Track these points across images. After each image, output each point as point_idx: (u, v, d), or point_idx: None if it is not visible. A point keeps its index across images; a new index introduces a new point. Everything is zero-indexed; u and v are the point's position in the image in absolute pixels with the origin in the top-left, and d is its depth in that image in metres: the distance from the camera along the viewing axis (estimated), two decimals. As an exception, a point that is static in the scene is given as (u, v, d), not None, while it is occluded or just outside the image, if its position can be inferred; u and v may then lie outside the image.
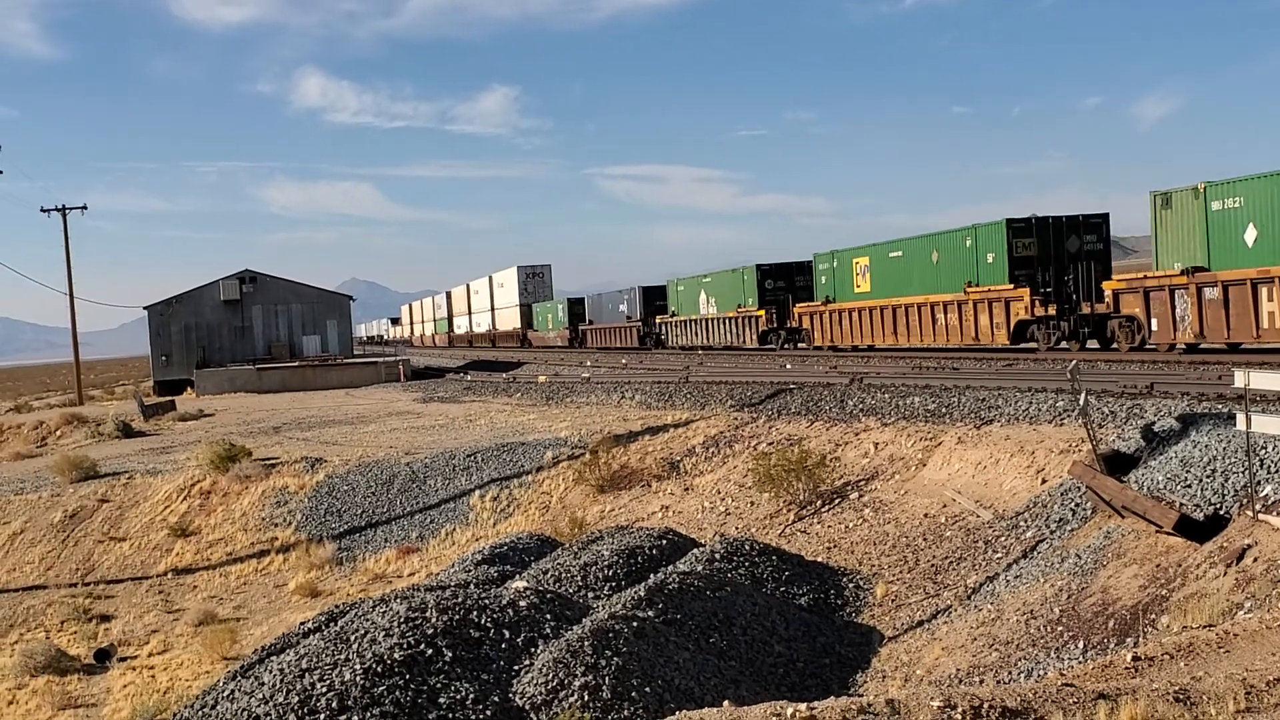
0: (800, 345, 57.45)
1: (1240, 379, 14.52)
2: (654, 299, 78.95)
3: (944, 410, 26.29)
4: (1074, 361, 20.81)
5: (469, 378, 66.70)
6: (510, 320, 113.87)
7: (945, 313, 44.12)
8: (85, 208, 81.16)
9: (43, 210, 79.70)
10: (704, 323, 68.60)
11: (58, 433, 55.81)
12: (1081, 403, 17.87)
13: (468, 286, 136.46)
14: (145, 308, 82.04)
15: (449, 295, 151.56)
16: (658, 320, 76.99)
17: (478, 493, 31.36)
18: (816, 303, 54.30)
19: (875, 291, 49.41)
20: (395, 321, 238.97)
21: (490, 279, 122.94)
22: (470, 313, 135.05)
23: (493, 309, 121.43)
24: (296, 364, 76.86)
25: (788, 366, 45.48)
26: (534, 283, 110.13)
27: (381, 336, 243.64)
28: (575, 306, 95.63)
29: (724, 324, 65.27)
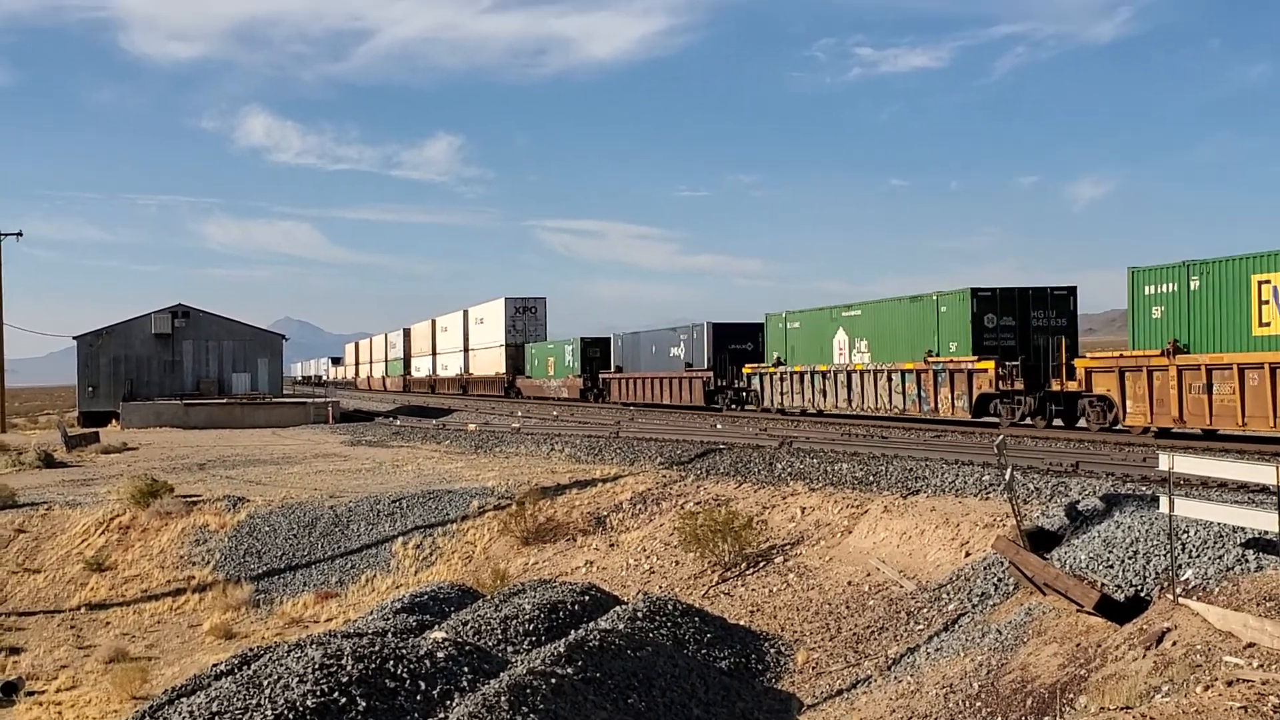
0: (1080, 424, 36.88)
1: (1165, 462, 14.64)
2: (731, 341, 60.67)
3: (871, 478, 26.37)
4: (1001, 436, 20.93)
5: (399, 422, 66.35)
6: (491, 363, 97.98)
7: None
8: (20, 234, 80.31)
9: (-24, 235, 78.81)
10: (843, 377, 48.55)
11: (-24, 459, 54.81)
12: (1007, 478, 17.96)
13: (433, 322, 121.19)
14: (75, 338, 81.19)
15: (407, 333, 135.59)
16: (745, 371, 58.04)
17: (401, 539, 31.05)
18: (1139, 352, 33.12)
19: None
20: (336, 361, 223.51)
21: (465, 314, 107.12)
22: (435, 353, 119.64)
23: (466, 349, 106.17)
24: (225, 401, 76.23)
25: (718, 426, 45.47)
26: (525, 319, 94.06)
27: (320, 377, 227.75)
28: (592, 349, 79.50)
29: (891, 381, 45.20)
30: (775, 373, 54.14)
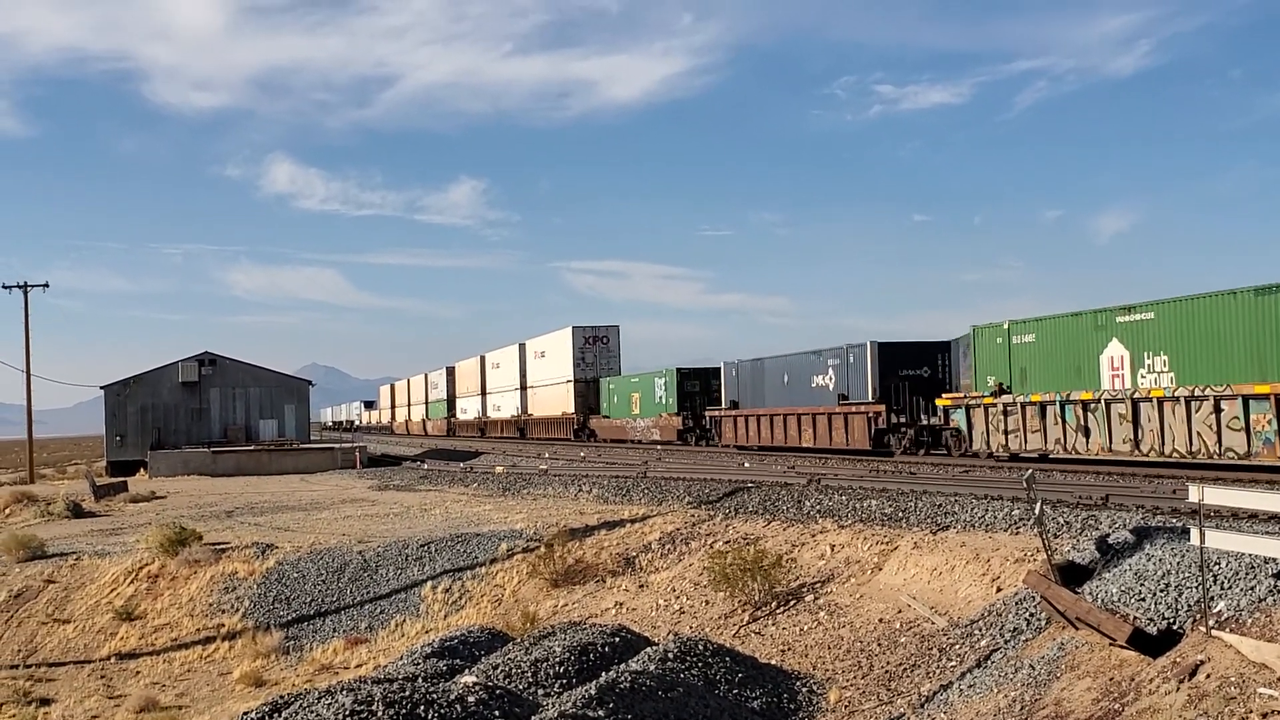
0: None
1: (1195, 494, 14.56)
2: (902, 366, 47.65)
3: (900, 514, 26.28)
4: (1029, 470, 20.84)
5: (426, 466, 66.40)
6: (556, 402, 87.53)
7: None
8: (47, 285, 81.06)
9: (3, 287, 79.51)
10: (1122, 408, 34.50)
11: (6, 511, 55.06)
12: (1037, 512, 17.88)
13: (481, 359, 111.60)
14: (102, 387, 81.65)
15: (451, 371, 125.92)
16: (941, 404, 43.68)
17: (429, 584, 31.04)
18: None
19: None
20: (370, 405, 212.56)
21: (522, 347, 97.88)
22: (484, 393, 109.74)
23: (523, 387, 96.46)
24: (252, 448, 76.43)
25: (746, 465, 45.38)
26: (596, 350, 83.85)
27: (352, 422, 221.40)
28: (690, 381, 68.18)
29: (1220, 412, 31.03)
30: (995, 405, 39.83)
